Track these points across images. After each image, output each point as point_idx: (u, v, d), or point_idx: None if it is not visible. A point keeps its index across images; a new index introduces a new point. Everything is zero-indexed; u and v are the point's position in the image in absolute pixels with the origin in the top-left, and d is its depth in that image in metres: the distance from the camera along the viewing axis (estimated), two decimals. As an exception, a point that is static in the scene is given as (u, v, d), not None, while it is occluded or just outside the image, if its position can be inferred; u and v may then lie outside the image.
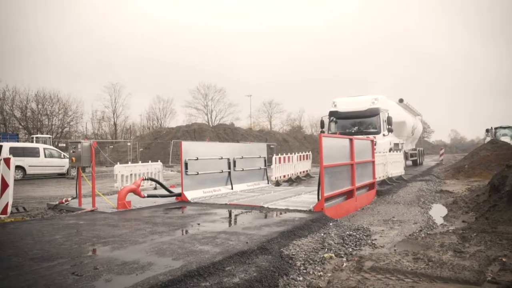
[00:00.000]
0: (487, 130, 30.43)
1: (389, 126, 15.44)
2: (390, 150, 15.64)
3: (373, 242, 5.55)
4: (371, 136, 12.86)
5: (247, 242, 4.80)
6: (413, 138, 22.90)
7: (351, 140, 8.59)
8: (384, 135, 15.50)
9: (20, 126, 39.39)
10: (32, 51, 60.19)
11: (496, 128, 29.92)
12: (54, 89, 50.01)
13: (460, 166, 18.00)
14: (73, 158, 8.24)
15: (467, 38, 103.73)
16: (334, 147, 7.73)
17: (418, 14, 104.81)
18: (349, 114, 16.15)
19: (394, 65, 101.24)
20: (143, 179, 9.31)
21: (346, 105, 16.37)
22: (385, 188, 11.47)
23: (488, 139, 26.89)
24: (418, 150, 24.52)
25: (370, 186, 10.06)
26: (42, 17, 64.71)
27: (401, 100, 19.88)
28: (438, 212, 8.22)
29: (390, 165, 12.85)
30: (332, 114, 16.64)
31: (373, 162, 10.29)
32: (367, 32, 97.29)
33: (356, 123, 16.18)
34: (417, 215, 7.71)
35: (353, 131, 15.55)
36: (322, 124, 16.68)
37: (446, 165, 24.13)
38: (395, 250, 5.02)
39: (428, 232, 6.07)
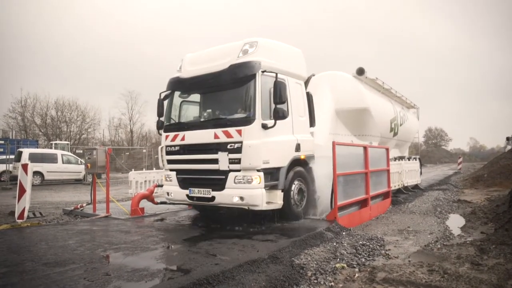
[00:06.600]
0: (508, 139, 29.62)
1: (279, 106, 6.32)
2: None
3: (387, 252, 5.43)
4: (233, 133, 6.23)
5: (258, 251, 4.76)
6: (397, 140, 13.48)
7: (365, 148, 8.50)
8: (265, 126, 6.27)
9: (40, 133, 40.38)
10: (49, 60, 61.89)
11: (517, 137, 29.08)
12: (73, 96, 51.13)
13: (479, 175, 17.53)
14: (89, 164, 8.39)
15: (483, 40, 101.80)
16: (348, 155, 7.62)
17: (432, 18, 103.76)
18: (197, 81, 7.03)
19: (413, 71, 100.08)
20: (156, 186, 9.37)
21: (195, 64, 7.21)
22: (401, 197, 11.27)
23: (509, 147, 26.18)
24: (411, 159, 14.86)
25: (385, 195, 9.89)
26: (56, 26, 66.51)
27: (360, 71, 10.39)
28: (455, 222, 7.99)
29: (406, 173, 12.61)
30: (171, 85, 7.50)
31: (388, 170, 10.12)
32: (378, 36, 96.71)
33: (211, 100, 7.44)
34: (433, 225, 7.52)
35: (202, 120, 7.05)
36: (159, 106, 7.55)
37: (464, 174, 23.56)
38: (409, 261, 4.90)
39: (445, 243, 5.90)
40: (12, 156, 19.09)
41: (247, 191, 6.08)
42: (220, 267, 4.03)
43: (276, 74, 6.40)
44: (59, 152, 20.90)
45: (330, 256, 4.97)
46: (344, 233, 6.26)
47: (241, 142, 6.10)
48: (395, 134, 12.94)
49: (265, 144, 6.21)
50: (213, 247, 5.02)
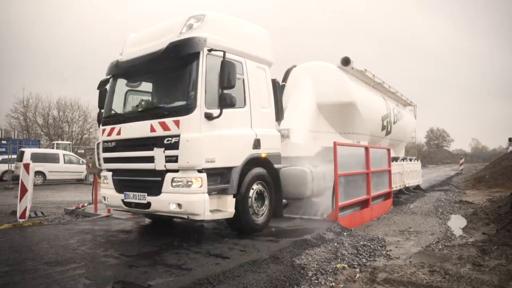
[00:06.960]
0: (510, 139, 29.59)
1: (226, 92, 5.25)
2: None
3: (388, 253, 5.42)
4: (171, 125, 5.15)
5: (258, 251, 4.76)
6: (391, 140, 12.26)
7: (366, 148, 8.49)
8: (209, 116, 5.15)
9: (42, 133, 40.48)
10: (49, 60, 62.04)
11: (519, 137, 29.00)
12: (75, 96, 51.22)
13: (481, 176, 17.50)
14: (90, 164, 8.41)
15: (483, 40, 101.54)
16: (349, 155, 7.61)
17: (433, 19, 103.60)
18: (133, 64, 5.91)
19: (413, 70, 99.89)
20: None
21: (137, 44, 6.11)
22: (402, 198, 11.25)
23: (511, 148, 26.13)
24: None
25: (386, 196, 9.87)
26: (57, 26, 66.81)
27: (346, 61, 9.07)
28: (457, 223, 7.97)
29: (407, 174, 12.58)
30: (109, 70, 6.38)
31: (390, 171, 10.11)
32: (379, 37, 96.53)
33: (152, 86, 6.49)
34: (435, 226, 7.50)
35: (139, 110, 5.88)
36: (100, 95, 6.39)
37: (466, 175, 23.51)
38: (410, 261, 4.89)
39: (446, 244, 5.89)
40: (14, 156, 19.15)
41: (185, 197, 4.94)
42: (221, 266, 4.04)
43: (224, 52, 5.25)
44: (61, 152, 20.95)
45: (331, 256, 4.96)
46: (345, 233, 6.26)
47: (178, 136, 4.97)
48: (388, 132, 11.67)
49: (208, 138, 5.08)
50: (214, 247, 5.02)
